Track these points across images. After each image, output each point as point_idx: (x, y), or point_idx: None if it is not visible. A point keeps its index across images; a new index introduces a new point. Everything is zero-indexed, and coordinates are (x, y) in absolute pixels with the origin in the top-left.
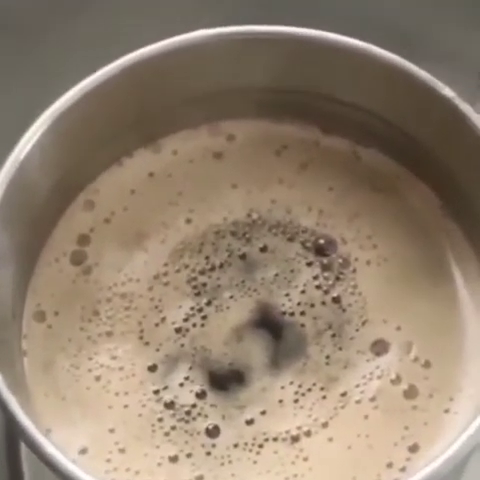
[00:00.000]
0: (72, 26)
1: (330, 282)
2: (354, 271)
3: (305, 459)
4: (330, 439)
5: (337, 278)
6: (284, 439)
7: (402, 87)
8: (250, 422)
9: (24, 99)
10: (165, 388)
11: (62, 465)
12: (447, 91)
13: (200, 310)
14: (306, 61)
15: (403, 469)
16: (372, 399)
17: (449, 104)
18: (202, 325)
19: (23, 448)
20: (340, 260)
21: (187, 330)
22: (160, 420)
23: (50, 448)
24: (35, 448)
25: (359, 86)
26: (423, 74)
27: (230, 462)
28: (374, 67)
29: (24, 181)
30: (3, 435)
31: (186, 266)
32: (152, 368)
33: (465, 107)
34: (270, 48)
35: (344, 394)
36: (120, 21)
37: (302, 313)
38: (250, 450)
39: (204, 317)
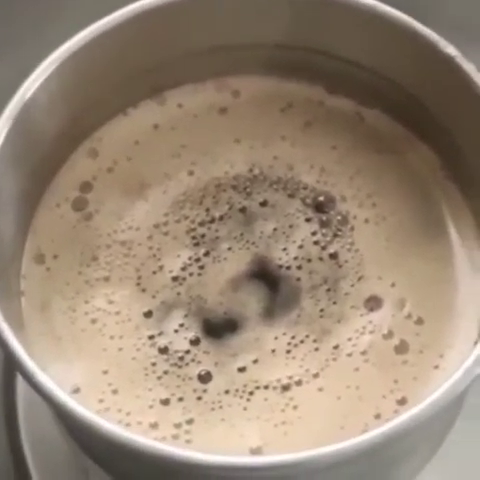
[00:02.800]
0: None
1: (328, 238)
2: (352, 229)
3: (295, 407)
4: (320, 389)
5: (335, 235)
6: (275, 387)
7: (406, 44)
8: (242, 370)
9: (28, 45)
10: (160, 334)
11: (56, 395)
12: (451, 49)
13: (198, 260)
14: (313, 17)
15: (390, 421)
16: (363, 352)
17: (452, 63)
18: (199, 274)
19: (19, 390)
20: (339, 217)
21: (184, 279)
22: (153, 364)
23: (44, 377)
24: (29, 378)
25: (364, 43)
26: (427, 31)
27: (221, 407)
28: (379, 24)
29: (29, 123)
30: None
31: (186, 217)
32: (148, 314)
33: (468, 67)
34: (278, 4)
35: (336, 347)
36: None
37: (299, 267)
38: (241, 397)
39: (201, 267)
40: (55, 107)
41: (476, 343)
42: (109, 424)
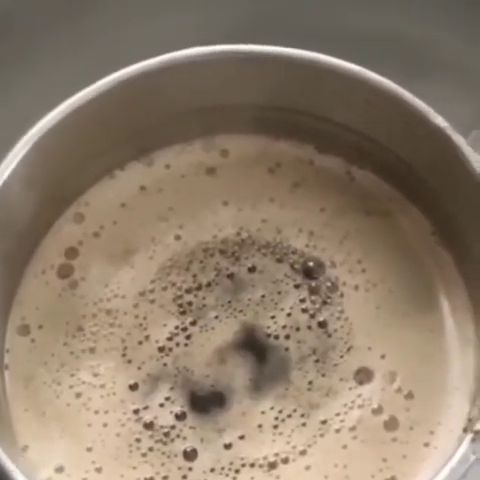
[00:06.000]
0: (68, 36)
1: (317, 306)
2: (342, 295)
3: None
4: (307, 467)
5: (324, 302)
6: (261, 465)
7: (395, 113)
8: (228, 446)
9: (18, 109)
10: (145, 408)
11: None
12: (440, 120)
13: (184, 329)
14: (301, 81)
15: None
16: (352, 429)
17: (441, 134)
18: (186, 345)
19: None
20: (328, 284)
21: (170, 349)
22: (138, 441)
23: (19, 476)
24: (5, 475)
25: (353, 109)
26: (417, 102)
27: None
28: (367, 91)
29: (9, 197)
30: None
31: (173, 284)
32: (133, 387)
33: (457, 138)
34: (265, 67)
35: (324, 422)
36: (116, 33)
37: (287, 336)
38: (227, 475)
39: (188, 337)
40: (36, 178)
41: (466, 430)
42: None
